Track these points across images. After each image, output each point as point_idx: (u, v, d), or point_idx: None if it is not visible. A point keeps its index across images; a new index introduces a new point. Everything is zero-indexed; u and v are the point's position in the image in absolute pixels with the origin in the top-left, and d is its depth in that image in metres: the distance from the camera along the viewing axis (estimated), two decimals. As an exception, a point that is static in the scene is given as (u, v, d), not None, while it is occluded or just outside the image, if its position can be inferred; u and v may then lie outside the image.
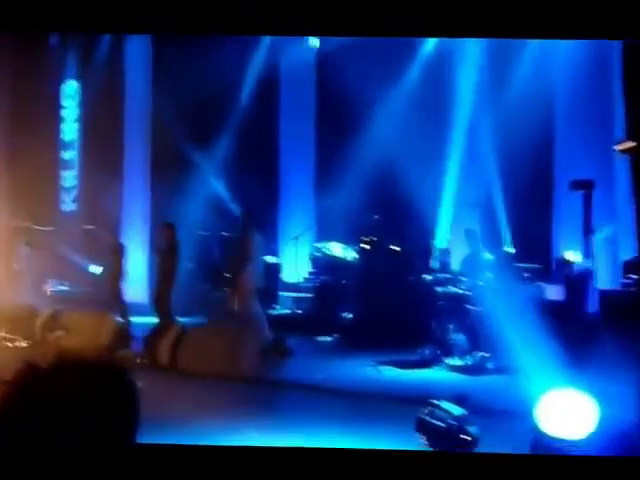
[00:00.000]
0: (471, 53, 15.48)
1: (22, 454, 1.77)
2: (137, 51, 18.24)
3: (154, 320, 13.15)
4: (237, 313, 12.90)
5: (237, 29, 7.95)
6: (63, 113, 19.43)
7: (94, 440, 1.80)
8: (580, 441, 4.28)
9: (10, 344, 12.71)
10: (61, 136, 19.33)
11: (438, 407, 5.65)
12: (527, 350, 11.08)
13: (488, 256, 12.73)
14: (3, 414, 1.80)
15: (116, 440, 1.84)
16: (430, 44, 16.14)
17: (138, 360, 12.19)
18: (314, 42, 16.98)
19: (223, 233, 16.00)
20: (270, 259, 16.57)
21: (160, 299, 13.49)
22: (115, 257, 14.69)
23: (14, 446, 1.77)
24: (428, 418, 5.57)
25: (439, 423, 5.53)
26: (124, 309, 13.95)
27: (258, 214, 14.35)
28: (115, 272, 14.60)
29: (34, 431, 1.77)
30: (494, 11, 6.41)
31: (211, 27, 7.54)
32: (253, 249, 12.94)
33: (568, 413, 4.44)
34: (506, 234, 14.65)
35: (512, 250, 13.78)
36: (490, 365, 11.58)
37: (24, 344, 12.74)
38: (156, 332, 12.66)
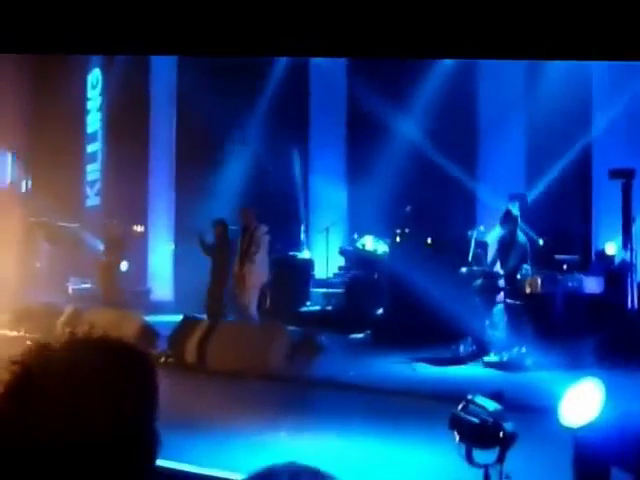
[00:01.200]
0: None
1: (32, 437, 1.62)
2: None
3: (179, 318, 12.92)
4: (243, 309, 12.75)
5: (251, 51, 7.82)
6: (88, 104, 19.29)
7: (108, 421, 1.66)
8: (584, 426, 4.06)
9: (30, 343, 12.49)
10: (84, 128, 19.20)
11: (472, 402, 5.27)
12: (565, 344, 10.77)
13: (524, 240, 12.27)
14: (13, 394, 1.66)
15: (131, 421, 1.71)
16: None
17: (163, 359, 11.96)
18: None
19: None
20: (301, 254, 16.38)
21: (211, 297, 13.35)
22: (117, 245, 14.57)
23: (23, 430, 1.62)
24: (462, 414, 5.19)
25: (473, 419, 5.15)
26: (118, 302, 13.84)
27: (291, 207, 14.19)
28: (112, 262, 14.47)
29: (44, 414, 1.63)
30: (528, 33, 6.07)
31: (225, 49, 7.37)
32: (257, 243, 12.74)
33: (577, 401, 4.25)
34: (544, 225, 14.27)
35: (550, 241, 13.36)
36: (528, 361, 11.21)
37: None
38: (182, 330, 12.40)
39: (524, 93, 15.37)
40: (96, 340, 1.78)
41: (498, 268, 12.45)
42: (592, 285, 12.73)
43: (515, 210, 12.81)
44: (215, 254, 13.60)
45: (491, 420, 5.56)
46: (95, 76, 19.16)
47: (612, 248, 13.48)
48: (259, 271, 12.82)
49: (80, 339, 1.78)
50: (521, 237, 12.28)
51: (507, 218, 12.41)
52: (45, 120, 17.49)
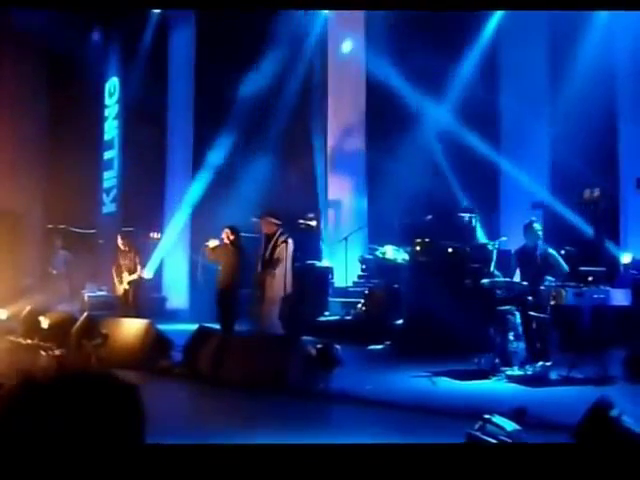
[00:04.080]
0: (529, 43, 15.02)
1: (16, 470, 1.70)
2: (180, 46, 18.01)
3: (194, 326, 12.71)
4: (261, 319, 12.52)
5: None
6: (105, 112, 19.39)
7: (92, 458, 1.71)
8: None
9: (44, 352, 12.32)
10: (102, 135, 19.28)
11: (490, 422, 4.97)
12: (592, 358, 10.51)
13: (547, 251, 11.92)
14: None
15: (116, 458, 1.75)
16: (485, 30, 15.77)
17: (177, 370, 11.73)
18: None
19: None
20: (319, 262, 16.21)
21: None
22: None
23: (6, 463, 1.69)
24: (478, 434, 4.90)
25: (490, 439, 4.85)
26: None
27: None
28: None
29: (29, 447, 1.70)
30: None
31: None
32: (281, 254, 12.50)
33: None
34: (569, 235, 13.98)
35: (574, 253, 13.02)
36: (553, 375, 10.88)
37: (58, 352, 12.31)
38: (197, 340, 12.16)
39: (548, 99, 15.16)
40: (86, 377, 1.78)
41: (521, 279, 12.12)
42: (619, 297, 12.39)
43: (538, 221, 12.47)
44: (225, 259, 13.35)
45: (509, 441, 5.27)
46: (113, 84, 19.28)
47: (628, 258, 13.28)
48: (280, 283, 12.55)
49: (69, 375, 1.79)
50: (544, 249, 11.95)
51: (529, 229, 12.07)
52: (63, 127, 17.55)
